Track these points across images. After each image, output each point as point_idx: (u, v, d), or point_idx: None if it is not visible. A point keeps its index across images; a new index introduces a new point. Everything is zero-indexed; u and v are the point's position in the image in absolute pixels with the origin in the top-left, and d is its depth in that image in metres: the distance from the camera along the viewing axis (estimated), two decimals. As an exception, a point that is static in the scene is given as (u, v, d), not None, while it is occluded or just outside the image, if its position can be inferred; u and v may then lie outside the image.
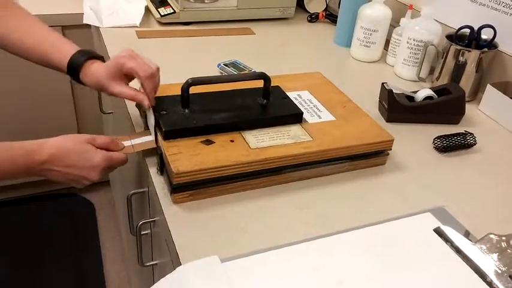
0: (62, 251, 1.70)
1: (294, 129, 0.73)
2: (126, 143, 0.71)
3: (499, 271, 0.55)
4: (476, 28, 0.99)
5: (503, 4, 0.98)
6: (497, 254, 0.57)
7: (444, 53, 1.01)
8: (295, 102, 0.79)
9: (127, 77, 0.73)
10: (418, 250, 0.59)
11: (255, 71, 0.97)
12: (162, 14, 1.25)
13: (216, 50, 1.15)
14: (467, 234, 0.63)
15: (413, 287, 0.54)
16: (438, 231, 0.61)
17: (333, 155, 0.70)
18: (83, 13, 1.26)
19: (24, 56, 0.77)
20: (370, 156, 0.74)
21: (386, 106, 0.89)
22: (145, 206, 0.85)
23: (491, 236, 0.59)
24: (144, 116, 0.76)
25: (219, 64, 1.02)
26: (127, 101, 0.85)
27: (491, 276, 0.55)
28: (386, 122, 0.90)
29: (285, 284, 0.52)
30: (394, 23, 1.15)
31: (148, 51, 1.06)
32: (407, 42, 1.05)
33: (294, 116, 0.74)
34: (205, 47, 1.17)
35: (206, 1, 1.28)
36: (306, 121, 0.75)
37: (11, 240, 1.72)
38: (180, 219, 0.61)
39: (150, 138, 0.71)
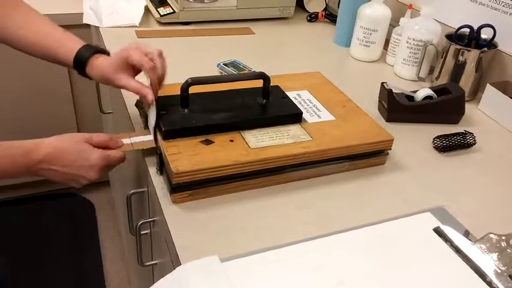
0: (62, 251, 1.69)
1: (294, 129, 0.73)
2: (125, 141, 0.71)
3: (499, 271, 0.55)
4: (475, 28, 0.99)
5: (503, 4, 0.98)
6: (497, 253, 0.57)
7: (444, 53, 1.01)
8: (295, 102, 0.79)
9: (134, 69, 0.73)
10: (418, 250, 0.59)
11: (254, 71, 0.97)
12: (162, 13, 1.25)
13: (215, 49, 1.15)
14: (467, 234, 0.63)
15: (413, 286, 0.54)
16: (438, 231, 0.61)
17: (332, 155, 0.70)
18: (82, 13, 1.26)
19: (31, 51, 0.78)
20: (369, 156, 0.74)
21: (386, 106, 0.89)
22: (145, 205, 0.85)
23: (491, 235, 0.59)
24: (144, 115, 0.76)
25: (219, 64, 1.02)
26: (127, 101, 0.85)
27: (491, 275, 0.55)
28: (386, 121, 0.90)
29: (285, 283, 0.52)
30: (394, 23, 1.15)
31: (147, 51, 1.06)
32: (407, 42, 1.05)
33: (294, 116, 0.74)
34: (204, 46, 1.17)
35: (206, 1, 1.28)
36: (305, 121, 0.75)
37: (11, 240, 1.72)
38: (180, 219, 0.61)
39: (150, 137, 0.71)
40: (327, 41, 1.29)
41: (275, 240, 0.59)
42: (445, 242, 0.60)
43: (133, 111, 0.81)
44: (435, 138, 0.82)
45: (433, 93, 0.90)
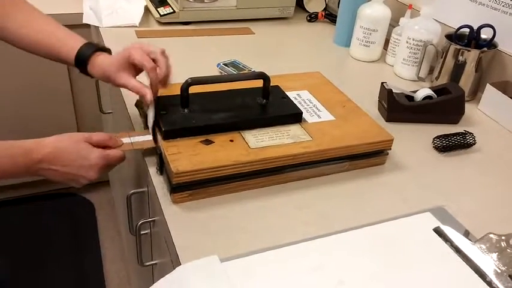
0: (62, 251, 1.69)
1: (294, 129, 0.73)
2: (125, 140, 0.71)
3: (499, 271, 0.55)
4: (475, 28, 0.99)
5: (503, 4, 0.98)
6: (496, 253, 0.57)
7: (444, 53, 1.01)
8: (295, 101, 0.79)
9: (136, 69, 0.74)
10: (418, 250, 0.59)
11: (254, 71, 0.97)
12: (162, 13, 1.25)
13: (215, 49, 1.15)
14: (466, 234, 0.63)
15: (414, 286, 0.54)
16: (438, 231, 0.61)
17: (332, 155, 0.70)
18: (82, 13, 1.26)
19: (33, 50, 0.79)
20: (369, 156, 0.74)
21: (385, 106, 0.89)
22: (145, 205, 0.85)
23: (491, 235, 0.59)
24: (143, 115, 0.76)
25: (219, 64, 1.02)
26: (126, 101, 0.85)
27: (491, 275, 0.55)
28: (386, 121, 0.90)
29: (285, 283, 0.52)
30: (394, 23, 1.15)
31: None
32: (407, 42, 1.05)
33: (294, 116, 0.74)
34: (204, 46, 1.17)
35: (205, 1, 1.28)
36: (305, 121, 0.75)
37: (11, 240, 1.72)
38: (180, 219, 0.61)
39: (150, 137, 0.71)
40: (326, 41, 1.29)
41: (275, 240, 0.59)
42: (445, 242, 0.60)
43: (133, 111, 0.81)
44: (435, 138, 0.82)
45: (433, 93, 0.90)
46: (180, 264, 0.54)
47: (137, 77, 0.74)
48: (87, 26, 1.27)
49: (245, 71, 1.00)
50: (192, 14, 1.27)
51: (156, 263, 0.84)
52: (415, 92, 0.91)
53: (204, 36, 1.23)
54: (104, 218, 1.86)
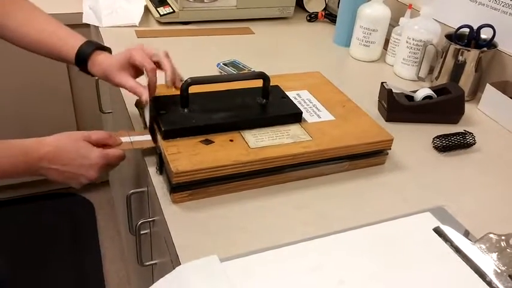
0: (62, 251, 1.69)
1: (294, 129, 0.73)
2: (125, 139, 0.71)
3: (499, 270, 0.55)
4: (475, 27, 0.99)
5: (503, 4, 0.98)
6: (496, 253, 0.57)
7: (443, 53, 1.01)
8: (295, 101, 0.79)
9: (136, 70, 0.74)
10: (418, 250, 0.59)
11: (254, 71, 0.97)
12: (162, 13, 1.25)
13: (215, 49, 1.15)
14: (466, 234, 0.63)
15: (413, 286, 0.54)
16: (438, 231, 0.61)
17: (332, 155, 0.70)
18: (82, 12, 1.26)
19: (34, 49, 0.79)
20: (369, 156, 0.74)
21: (385, 105, 0.89)
22: (145, 205, 0.85)
23: (491, 235, 0.59)
24: (143, 115, 0.76)
25: (219, 63, 1.02)
26: (126, 101, 0.85)
27: (491, 275, 0.55)
28: (386, 121, 0.90)
29: (284, 283, 0.52)
30: (394, 23, 1.15)
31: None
32: (407, 42, 1.05)
33: (293, 116, 0.74)
34: (204, 46, 1.17)
35: (205, 1, 1.28)
36: (305, 121, 0.75)
37: (10, 240, 1.72)
38: (180, 219, 0.61)
39: (149, 137, 0.71)
40: (326, 40, 1.29)
41: (274, 240, 0.59)
42: (445, 242, 0.60)
43: (133, 111, 0.81)
44: (435, 138, 0.82)
45: (432, 93, 0.90)
46: (180, 264, 0.54)
47: (137, 79, 0.74)
48: (87, 25, 1.27)
49: (245, 71, 1.00)
50: (192, 13, 1.27)
51: (155, 263, 0.84)
52: (415, 91, 0.91)
53: (203, 36, 1.23)
54: (104, 218, 1.86)
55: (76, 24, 1.22)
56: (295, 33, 1.32)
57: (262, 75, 0.74)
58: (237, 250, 0.57)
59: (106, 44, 0.89)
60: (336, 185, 0.71)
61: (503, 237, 0.59)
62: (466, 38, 1.01)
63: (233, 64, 1.02)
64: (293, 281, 0.53)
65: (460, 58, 0.98)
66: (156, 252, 0.82)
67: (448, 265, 0.57)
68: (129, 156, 0.73)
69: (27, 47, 0.79)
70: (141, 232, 0.80)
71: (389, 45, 1.15)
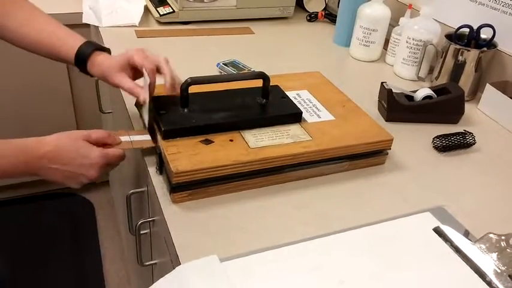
0: (61, 251, 1.69)
1: (293, 129, 0.73)
2: (124, 139, 0.71)
3: (499, 270, 0.55)
4: (475, 27, 0.99)
5: (503, 4, 0.98)
6: (496, 253, 0.57)
7: (443, 53, 1.01)
8: (295, 101, 0.79)
9: (135, 72, 0.74)
10: (418, 250, 0.59)
11: (254, 71, 0.97)
12: (161, 13, 1.25)
13: (215, 49, 1.15)
14: (466, 234, 0.63)
15: (413, 286, 0.54)
16: (438, 231, 0.61)
17: (332, 155, 0.70)
18: (82, 12, 1.26)
19: (33, 49, 0.79)
20: (369, 156, 0.74)
21: (385, 105, 0.89)
22: (145, 205, 0.85)
23: (491, 235, 0.59)
24: (142, 115, 0.76)
25: (218, 63, 1.02)
26: (126, 101, 0.85)
27: (491, 275, 0.55)
28: (386, 121, 0.90)
29: (284, 283, 0.52)
30: (394, 23, 1.15)
31: (147, 51, 1.06)
32: (407, 42, 1.05)
33: (293, 116, 0.74)
34: (204, 46, 1.17)
35: (205, 0, 1.28)
36: (305, 120, 0.75)
37: (10, 240, 1.72)
38: (180, 219, 0.61)
39: (149, 137, 0.71)
40: (326, 40, 1.29)
41: (274, 240, 0.59)
42: (445, 242, 0.60)
43: (133, 111, 0.81)
44: (435, 138, 0.82)
45: (432, 93, 0.90)
46: (180, 264, 0.54)
47: (136, 81, 0.74)
48: (87, 25, 1.27)
49: (245, 71, 1.00)
50: (192, 13, 1.27)
51: (155, 263, 0.84)
52: (414, 91, 0.91)
53: (203, 36, 1.23)
54: (104, 218, 1.86)
55: (76, 24, 1.22)
56: (295, 33, 1.32)
57: (262, 75, 0.74)
58: (237, 250, 0.57)
59: (106, 44, 0.89)
60: (335, 185, 0.71)
61: (503, 237, 0.59)
62: (466, 38, 1.01)
63: (233, 64, 1.02)
64: (293, 281, 0.53)
65: (460, 58, 0.98)
66: (156, 252, 0.82)
67: (448, 265, 0.57)
68: (129, 156, 0.73)
69: (27, 48, 0.79)
70: (141, 232, 0.80)
71: (389, 45, 1.15)
